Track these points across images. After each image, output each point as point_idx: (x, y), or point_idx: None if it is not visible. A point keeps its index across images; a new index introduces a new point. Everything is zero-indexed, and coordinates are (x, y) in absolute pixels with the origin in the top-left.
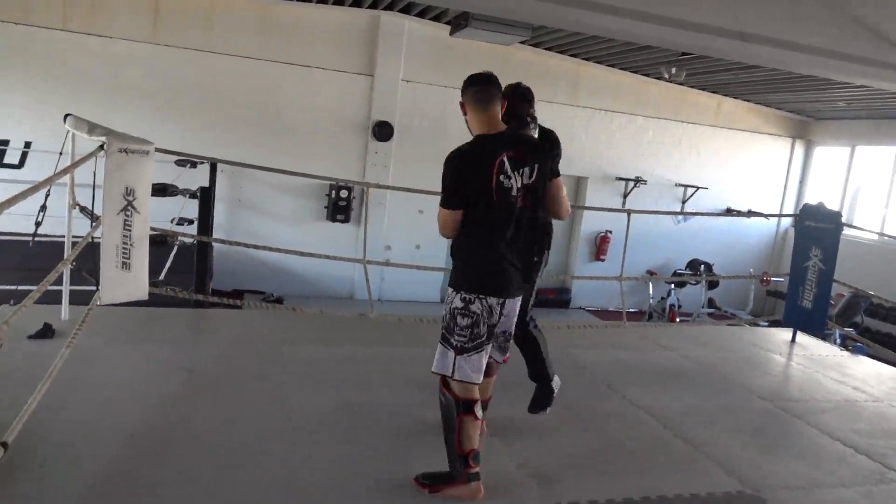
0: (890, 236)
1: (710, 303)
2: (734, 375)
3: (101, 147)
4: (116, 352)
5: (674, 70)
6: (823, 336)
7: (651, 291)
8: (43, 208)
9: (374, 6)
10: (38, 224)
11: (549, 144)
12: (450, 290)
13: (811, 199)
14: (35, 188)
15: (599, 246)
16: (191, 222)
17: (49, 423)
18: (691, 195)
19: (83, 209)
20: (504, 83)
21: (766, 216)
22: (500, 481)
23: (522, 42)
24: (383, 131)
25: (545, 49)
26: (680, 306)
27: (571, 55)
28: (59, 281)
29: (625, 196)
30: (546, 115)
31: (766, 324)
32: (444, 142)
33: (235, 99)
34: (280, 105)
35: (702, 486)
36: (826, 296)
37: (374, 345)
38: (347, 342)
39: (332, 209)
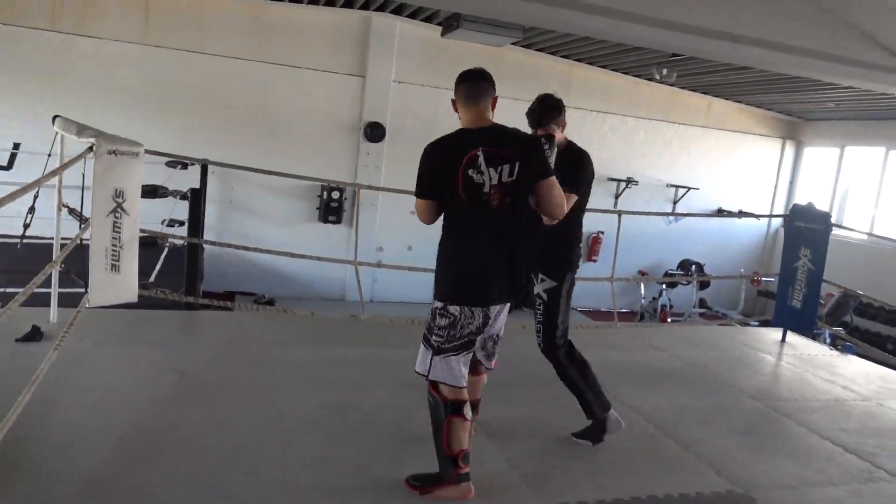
0: (879, 236)
1: (702, 303)
2: (725, 375)
3: (91, 149)
4: (105, 354)
5: (665, 71)
6: (813, 336)
7: (643, 292)
8: (31, 210)
9: (365, 7)
10: (26, 226)
11: (535, 143)
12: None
13: (801, 199)
14: (23, 190)
15: (591, 247)
16: (181, 224)
17: (37, 426)
18: (682, 196)
19: (72, 211)
20: (497, 84)
21: (757, 216)
22: (492, 482)
23: (514, 43)
24: (375, 132)
25: (537, 50)
26: (671, 306)
27: (563, 56)
28: (47, 283)
29: (616, 197)
30: None
31: (756, 324)
32: None
33: (227, 100)
34: (271, 106)
35: (692, 486)
36: (815, 296)
37: (366, 346)
38: (339, 344)
39: (324, 210)
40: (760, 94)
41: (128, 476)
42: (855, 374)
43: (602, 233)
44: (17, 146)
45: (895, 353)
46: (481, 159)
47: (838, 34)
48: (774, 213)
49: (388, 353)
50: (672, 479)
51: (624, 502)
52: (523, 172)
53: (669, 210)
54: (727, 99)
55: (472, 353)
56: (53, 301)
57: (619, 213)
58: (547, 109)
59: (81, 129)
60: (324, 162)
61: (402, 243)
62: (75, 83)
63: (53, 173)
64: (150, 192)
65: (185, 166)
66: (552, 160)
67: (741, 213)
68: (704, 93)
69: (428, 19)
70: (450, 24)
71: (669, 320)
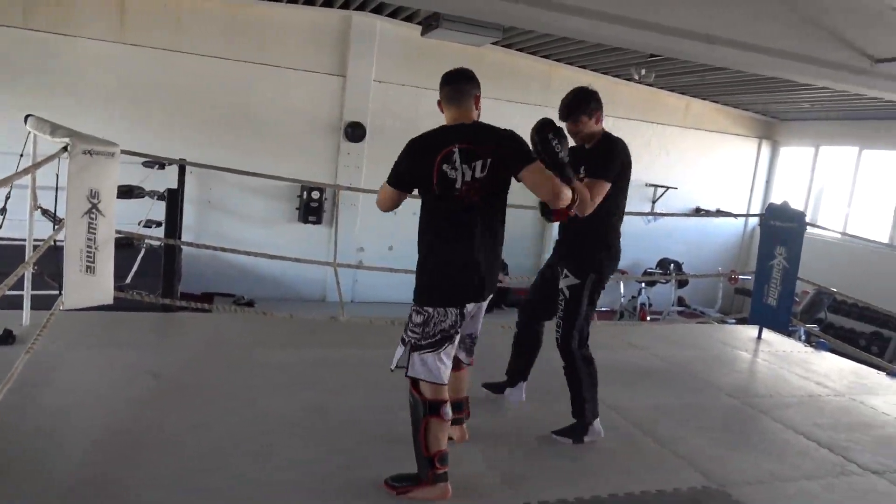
0: (852, 235)
1: (680, 301)
2: (703, 373)
3: (65, 148)
4: (80, 357)
5: (643, 71)
6: (788, 333)
7: (622, 290)
8: (3, 211)
9: (345, 6)
10: None
11: (510, 136)
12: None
13: (777, 198)
14: None
15: None
16: (159, 224)
17: (9, 431)
18: (661, 195)
19: (45, 212)
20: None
21: (734, 216)
22: (471, 482)
23: (494, 43)
24: (355, 132)
25: (517, 50)
26: (650, 305)
27: (543, 56)
28: (19, 285)
29: None
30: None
31: (733, 321)
32: None
33: (205, 100)
34: (250, 106)
35: (670, 483)
36: (790, 293)
37: (345, 348)
38: (318, 345)
39: (304, 210)
40: (737, 94)
41: (104, 479)
42: (829, 370)
43: None
44: None
45: (868, 349)
46: (456, 155)
47: (812, 36)
48: (751, 212)
49: (367, 354)
50: (650, 476)
51: (602, 500)
52: (501, 166)
53: (648, 209)
54: (705, 99)
55: (452, 349)
56: (26, 303)
57: None
58: (574, 102)
59: (55, 129)
60: (304, 162)
61: (382, 244)
62: (49, 82)
63: (25, 172)
64: (127, 192)
65: (162, 166)
66: (563, 154)
67: (719, 213)
68: (682, 93)
69: (408, 19)
70: (430, 23)
71: (648, 318)
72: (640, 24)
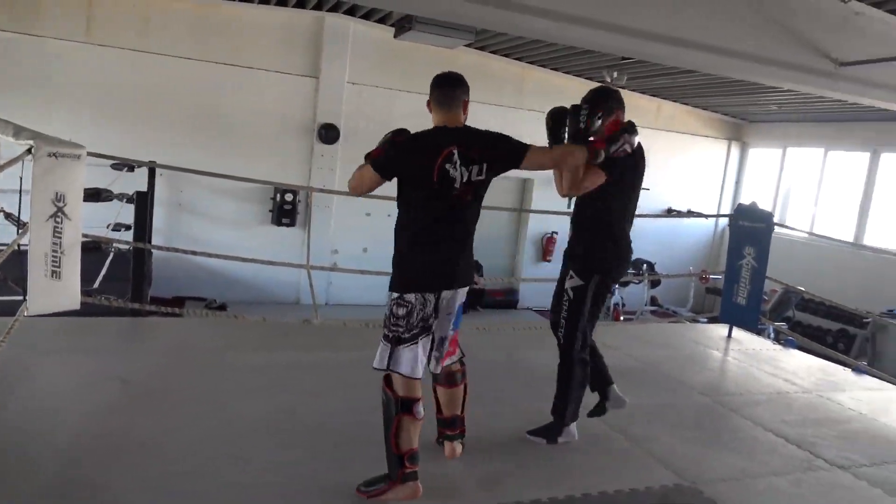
0: (818, 235)
1: (653, 301)
2: (675, 372)
3: (29, 151)
4: (46, 364)
5: (615, 74)
6: (758, 331)
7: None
8: None
9: (318, 7)
10: None
11: (500, 137)
12: (391, 283)
13: (746, 199)
14: None
15: (546, 247)
16: (128, 228)
17: None
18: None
19: (9, 216)
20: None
21: (705, 216)
22: (444, 483)
23: (467, 45)
24: (329, 134)
25: (490, 52)
26: (624, 305)
27: (516, 58)
28: None
29: (570, 198)
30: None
31: (705, 320)
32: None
33: (175, 101)
34: (222, 107)
35: (642, 482)
36: (759, 292)
37: (319, 350)
38: (291, 349)
39: (278, 213)
40: (707, 96)
41: (74, 486)
42: (797, 367)
43: (556, 233)
44: None
45: (835, 346)
46: (456, 156)
47: (778, 39)
48: (721, 212)
49: (341, 357)
50: (623, 475)
51: (576, 500)
52: (497, 168)
53: None
54: (675, 101)
55: (428, 341)
56: None
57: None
58: (589, 98)
59: (18, 131)
60: (277, 164)
61: (357, 245)
62: (14, 83)
63: None
64: (94, 195)
65: (131, 169)
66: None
67: (690, 213)
68: (654, 95)
69: (382, 21)
70: (403, 25)
71: (622, 318)
72: (609, 27)
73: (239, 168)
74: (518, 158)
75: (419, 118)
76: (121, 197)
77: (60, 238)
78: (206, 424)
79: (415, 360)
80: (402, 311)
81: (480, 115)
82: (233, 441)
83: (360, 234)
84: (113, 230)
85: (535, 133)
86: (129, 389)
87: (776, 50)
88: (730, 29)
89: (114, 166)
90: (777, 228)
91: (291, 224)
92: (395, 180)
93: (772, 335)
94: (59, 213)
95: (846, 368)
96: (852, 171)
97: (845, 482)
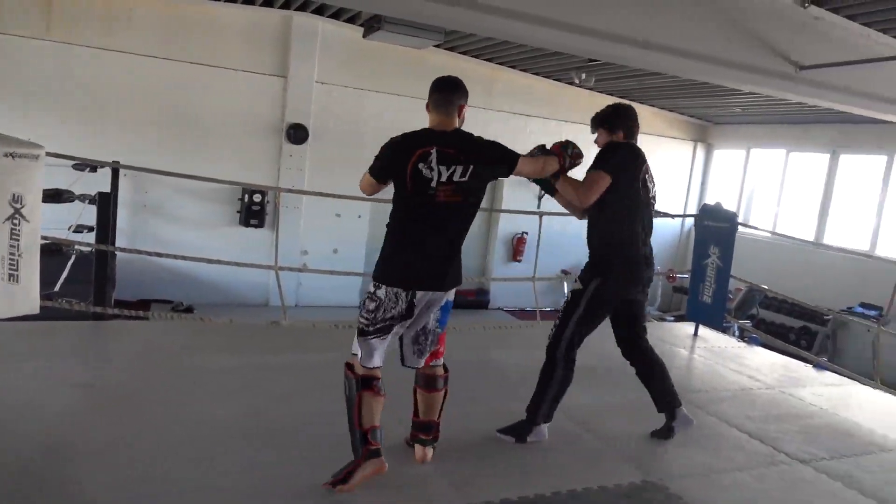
0: (780, 234)
1: None
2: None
3: None
4: (4, 369)
5: (584, 75)
6: (723, 329)
7: (566, 290)
8: None
9: (285, 6)
10: None
11: (489, 145)
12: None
13: (712, 199)
14: None
15: (516, 247)
16: (91, 229)
17: None
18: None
19: None
20: (419, 86)
21: (671, 216)
22: (416, 484)
23: (436, 45)
24: (298, 134)
25: (460, 53)
26: None
27: (486, 59)
28: None
29: (540, 198)
30: None
31: (672, 318)
32: (361, 144)
33: (140, 100)
34: (189, 106)
35: (611, 479)
36: (724, 291)
37: (287, 352)
38: (259, 351)
39: (246, 214)
40: (673, 98)
41: (34, 494)
42: (760, 364)
43: (526, 233)
44: None
45: (797, 343)
46: (433, 157)
47: (741, 43)
48: (687, 212)
49: (310, 359)
50: (592, 473)
51: (546, 498)
52: (485, 172)
53: None
54: (642, 103)
55: (386, 339)
56: None
57: (540, 215)
58: (599, 115)
59: None
60: (245, 164)
61: (327, 246)
62: None
63: None
64: (54, 196)
65: (93, 169)
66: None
67: (657, 213)
68: (621, 97)
69: (350, 20)
70: (371, 25)
71: None
72: (577, 29)
73: (206, 168)
74: (510, 165)
75: (389, 118)
76: (83, 198)
77: (18, 240)
78: (173, 428)
79: (371, 353)
80: (371, 306)
81: None
82: (200, 445)
83: (331, 235)
84: (74, 232)
85: (503, 133)
86: (92, 394)
87: (739, 53)
88: (694, 32)
89: (75, 167)
90: (741, 228)
91: (260, 225)
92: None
93: (737, 333)
94: (17, 215)
95: (808, 365)
96: (813, 172)
97: (807, 476)
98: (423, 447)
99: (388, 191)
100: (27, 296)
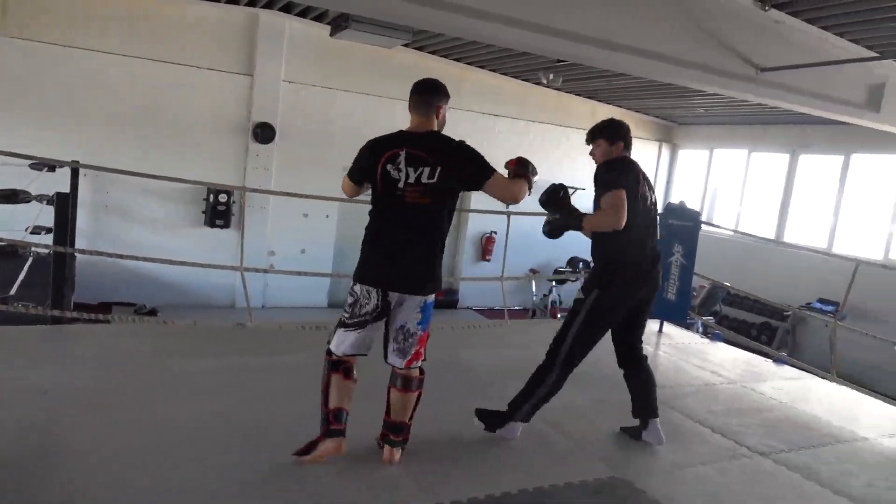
0: (742, 232)
1: None
2: (609, 368)
3: None
4: None
5: (551, 76)
6: (687, 325)
7: (534, 289)
8: None
9: (252, 4)
10: None
11: (463, 151)
12: None
13: (676, 198)
14: None
15: (485, 247)
16: (49, 231)
17: None
18: (571, 196)
19: None
20: (387, 85)
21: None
22: (384, 484)
23: (405, 45)
24: (265, 133)
25: (429, 52)
26: (561, 302)
27: (454, 59)
28: None
29: None
30: None
31: None
32: (329, 144)
33: (101, 98)
34: (151, 105)
35: (577, 476)
36: (688, 288)
37: (252, 355)
38: (223, 353)
39: (211, 214)
40: (639, 99)
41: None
42: (723, 359)
43: (495, 233)
44: None
45: (758, 338)
46: (402, 158)
47: (704, 45)
48: None
49: (276, 361)
50: (559, 470)
51: (513, 496)
52: (452, 175)
53: None
54: (609, 104)
55: (361, 333)
56: None
57: (508, 215)
58: (595, 127)
59: None
60: (210, 163)
61: (294, 247)
62: None
63: None
64: (10, 196)
65: (52, 168)
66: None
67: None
68: (589, 97)
69: (318, 18)
70: (339, 24)
71: (559, 316)
72: (545, 30)
73: (170, 168)
74: (482, 179)
75: (358, 117)
76: (40, 198)
77: None
78: (135, 434)
79: (342, 342)
80: (350, 300)
81: None
82: (164, 449)
83: (298, 236)
84: (32, 233)
85: (472, 133)
86: (51, 400)
87: (702, 55)
88: (659, 34)
89: (32, 166)
90: (704, 227)
91: (225, 225)
92: None
93: (700, 329)
94: None
95: (768, 359)
96: (773, 172)
97: (767, 468)
98: (391, 448)
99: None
100: None
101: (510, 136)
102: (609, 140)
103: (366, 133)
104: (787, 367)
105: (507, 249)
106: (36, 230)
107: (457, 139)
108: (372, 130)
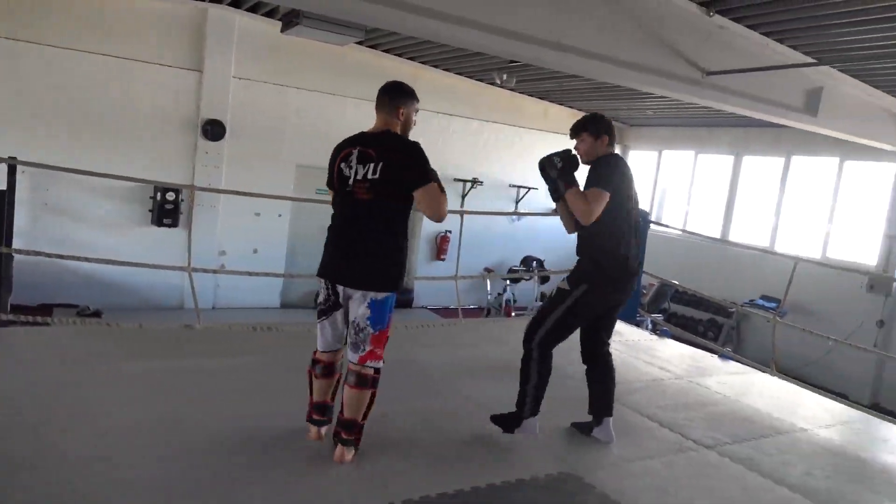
0: (690, 232)
1: (542, 296)
2: (561, 365)
3: None
4: None
5: (505, 76)
6: (636, 323)
7: (489, 288)
8: None
9: None
10: None
11: (407, 151)
12: None
13: None
14: None
15: (440, 246)
16: None
17: None
18: (524, 195)
19: None
20: (341, 83)
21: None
22: (335, 483)
23: (359, 43)
24: (214, 130)
25: (383, 51)
26: (515, 301)
27: (409, 58)
28: None
29: (463, 196)
30: None
31: None
32: (281, 141)
33: (42, 93)
34: (95, 100)
35: (528, 472)
36: (637, 286)
37: (200, 357)
38: (171, 356)
39: (158, 213)
40: (591, 100)
41: None
42: (671, 355)
43: (450, 232)
44: None
45: (705, 335)
46: (354, 156)
47: (652, 48)
48: None
49: (224, 363)
50: (511, 467)
51: (465, 493)
52: (392, 173)
53: (512, 209)
54: (562, 104)
55: (324, 324)
56: None
57: (462, 214)
58: (578, 122)
59: None
60: (157, 161)
61: (246, 246)
62: None
63: None
64: None
65: None
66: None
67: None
68: (541, 98)
69: (269, 14)
70: (290, 20)
71: (514, 314)
72: (496, 31)
73: (115, 165)
74: (416, 184)
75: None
76: None
77: None
78: (78, 438)
79: (317, 336)
80: (319, 291)
81: (372, 114)
82: (106, 454)
83: (250, 235)
84: None
85: (426, 132)
86: None
87: (650, 58)
88: (609, 37)
89: None
90: (653, 226)
91: (174, 224)
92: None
93: (649, 326)
94: None
95: (713, 355)
96: (719, 173)
97: (712, 460)
98: (343, 447)
99: (309, 191)
100: None
101: (465, 135)
102: (594, 134)
103: (319, 131)
104: (731, 363)
105: (462, 249)
106: None
107: (412, 140)
108: (325, 128)
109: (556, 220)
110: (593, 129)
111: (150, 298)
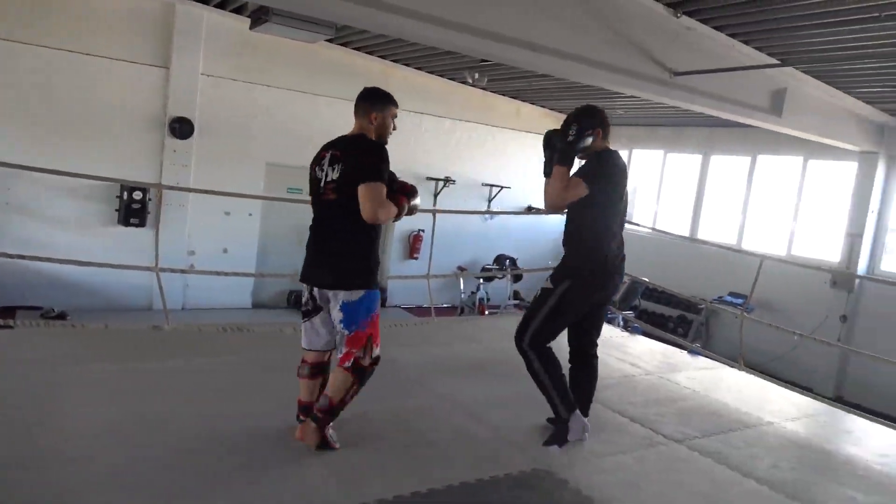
0: (659, 230)
1: (516, 295)
2: None
3: None
4: None
5: (476, 75)
6: (608, 320)
7: (462, 287)
8: None
9: None
10: None
11: (361, 148)
12: None
13: None
14: None
15: (413, 245)
16: None
17: None
18: (496, 194)
19: None
20: (312, 81)
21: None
22: (308, 483)
23: (329, 41)
24: (182, 128)
25: (353, 49)
26: (489, 299)
27: (380, 56)
28: None
29: (435, 195)
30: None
31: None
32: (251, 139)
33: (2, 89)
34: (57, 97)
35: (502, 469)
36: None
37: (168, 358)
38: (138, 357)
39: (125, 212)
40: (561, 100)
41: None
42: (642, 352)
43: (423, 231)
44: None
45: (675, 331)
46: (326, 159)
47: (621, 49)
48: None
49: (192, 364)
50: (484, 464)
51: (439, 492)
52: (349, 172)
53: (485, 208)
54: (534, 104)
55: (310, 324)
56: None
57: (434, 213)
58: (570, 116)
59: None
60: (124, 160)
61: (216, 246)
62: None
63: None
64: None
65: None
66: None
67: (549, 211)
68: (513, 97)
69: (238, 11)
70: (259, 17)
71: (487, 313)
72: (467, 29)
73: (80, 164)
74: (359, 179)
75: (281, 113)
76: None
77: None
78: (43, 441)
79: (303, 334)
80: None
81: (343, 112)
82: (74, 458)
83: (220, 234)
84: None
85: (398, 131)
86: None
87: (618, 58)
88: (579, 37)
89: None
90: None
91: (141, 224)
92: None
93: (621, 323)
94: None
95: (683, 351)
96: (687, 172)
97: (681, 455)
98: (307, 423)
99: (279, 189)
100: None
101: (437, 134)
102: (587, 128)
103: (289, 129)
104: (701, 358)
105: (434, 248)
106: None
107: (377, 142)
108: (295, 126)
109: (529, 219)
110: (587, 123)
111: (118, 300)
